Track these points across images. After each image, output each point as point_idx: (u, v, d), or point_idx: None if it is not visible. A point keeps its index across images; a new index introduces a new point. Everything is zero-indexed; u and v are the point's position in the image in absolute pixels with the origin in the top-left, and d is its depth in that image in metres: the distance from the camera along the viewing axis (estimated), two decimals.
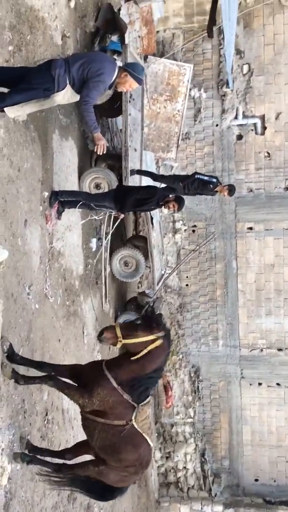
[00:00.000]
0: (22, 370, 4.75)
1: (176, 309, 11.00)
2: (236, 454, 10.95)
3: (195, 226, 10.65)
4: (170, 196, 6.72)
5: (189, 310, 10.94)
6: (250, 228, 10.50)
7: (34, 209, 5.52)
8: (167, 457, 11.12)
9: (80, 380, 4.55)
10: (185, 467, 11.05)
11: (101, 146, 4.92)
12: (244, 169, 10.32)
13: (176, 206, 6.63)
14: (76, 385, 4.57)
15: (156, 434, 11.22)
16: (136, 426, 4.42)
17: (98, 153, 4.99)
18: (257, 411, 10.81)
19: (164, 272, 9.77)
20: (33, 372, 4.79)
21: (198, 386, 11.01)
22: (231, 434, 10.93)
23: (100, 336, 4.41)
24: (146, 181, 8.01)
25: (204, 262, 10.75)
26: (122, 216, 6.98)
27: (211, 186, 7.69)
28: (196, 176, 7.70)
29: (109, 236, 7.92)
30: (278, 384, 10.71)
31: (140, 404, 4.40)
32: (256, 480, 10.93)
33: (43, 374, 4.70)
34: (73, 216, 6.92)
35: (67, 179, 6.81)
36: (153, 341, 4.33)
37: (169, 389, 9.62)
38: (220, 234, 10.54)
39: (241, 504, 10.69)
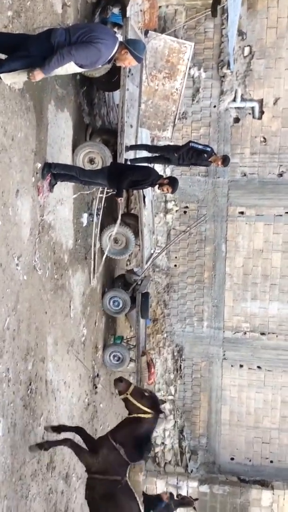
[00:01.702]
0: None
1: (163, 289, 11.08)
2: (214, 432, 11.20)
3: (187, 207, 10.67)
4: (164, 178, 6.70)
5: (176, 290, 11.03)
6: (242, 213, 10.54)
7: (26, 179, 5.49)
8: None
9: (90, 444, 5.75)
10: (163, 443, 11.28)
11: (34, 75, 4.40)
12: (239, 153, 10.30)
13: (170, 189, 6.63)
14: (87, 449, 5.70)
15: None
16: (129, 482, 5.37)
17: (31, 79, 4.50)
18: (237, 392, 11.02)
19: (154, 251, 9.81)
20: None
21: (180, 365, 11.17)
22: (210, 413, 11.16)
23: (117, 381, 5.49)
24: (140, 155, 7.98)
25: (194, 244, 10.80)
26: (120, 200, 6.94)
27: (206, 155, 7.68)
28: (190, 145, 7.68)
29: (100, 213, 7.91)
30: (259, 367, 10.90)
31: (133, 463, 5.40)
32: (232, 459, 11.20)
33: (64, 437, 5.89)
34: (65, 190, 6.89)
35: (61, 151, 6.75)
36: (145, 412, 5.38)
37: (152, 367, 9.73)
38: (211, 217, 10.57)
39: (216, 481, 10.97)
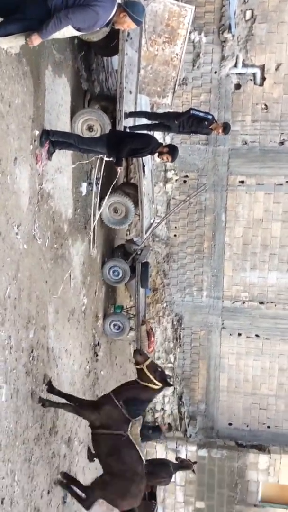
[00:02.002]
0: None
1: (162, 259, 11.11)
2: (212, 399, 11.42)
3: (186, 176, 10.58)
4: (164, 146, 6.62)
5: (176, 260, 11.06)
6: (242, 182, 10.47)
7: (24, 147, 5.42)
8: None
9: (91, 403, 6.36)
10: (162, 409, 11.53)
11: (32, 40, 4.33)
12: (240, 120, 10.15)
13: (170, 158, 6.55)
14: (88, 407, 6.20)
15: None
16: (131, 437, 5.91)
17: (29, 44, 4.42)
18: (235, 359, 11.19)
19: (153, 221, 9.78)
20: None
21: (179, 334, 11.31)
22: (209, 380, 11.35)
23: (137, 353, 6.17)
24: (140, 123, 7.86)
25: (194, 214, 10.76)
26: (120, 169, 6.87)
27: (206, 123, 7.57)
28: (191, 112, 7.56)
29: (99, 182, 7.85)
30: (257, 335, 11.04)
31: (134, 418, 5.93)
32: (230, 424, 11.46)
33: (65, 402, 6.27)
34: (64, 158, 6.81)
35: (59, 118, 6.65)
36: (155, 384, 5.93)
37: (151, 335, 9.85)
38: (211, 186, 10.50)
39: (214, 445, 11.26)
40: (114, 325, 9.26)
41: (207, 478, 11.15)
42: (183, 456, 10.66)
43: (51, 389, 6.23)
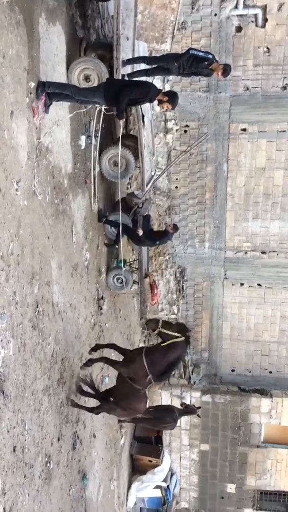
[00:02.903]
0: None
1: (164, 211, 11.05)
2: (215, 347, 11.71)
3: (187, 126, 10.35)
4: (163, 93, 6.42)
5: (178, 212, 11.01)
6: (244, 130, 10.25)
7: (20, 100, 5.28)
8: None
9: (125, 356, 6.97)
10: None
11: None
12: (241, 65, 9.82)
13: (170, 106, 6.37)
14: (123, 359, 6.97)
15: (141, 328, 11.85)
16: (147, 393, 6.81)
17: None
18: (237, 309, 11.37)
19: (154, 173, 9.65)
20: None
21: (182, 286, 11.44)
22: (212, 329, 11.59)
23: (149, 322, 6.76)
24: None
25: (195, 164, 10.61)
26: (122, 121, 6.72)
27: (206, 63, 7.35)
28: (190, 52, 7.32)
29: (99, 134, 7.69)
30: (259, 284, 11.16)
31: (155, 382, 6.65)
32: (233, 370, 11.80)
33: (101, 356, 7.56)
34: (61, 111, 6.64)
35: (55, 69, 6.43)
36: (176, 337, 6.41)
37: (155, 288, 9.97)
38: (213, 136, 10.29)
39: (218, 391, 11.64)
40: (117, 279, 9.35)
41: (211, 422, 11.61)
42: (187, 402, 11.05)
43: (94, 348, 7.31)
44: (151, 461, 11.34)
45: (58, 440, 6.57)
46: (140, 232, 8.83)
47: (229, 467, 11.77)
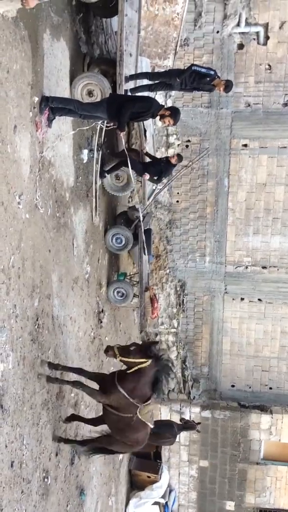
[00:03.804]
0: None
1: (165, 225, 11.09)
2: (215, 362, 11.64)
3: (189, 141, 10.43)
4: (165, 108, 6.49)
5: (178, 226, 11.04)
6: (245, 145, 10.32)
7: (23, 115, 5.33)
8: None
9: (101, 383, 6.18)
10: None
11: (28, 1, 4.00)
12: (243, 82, 9.93)
13: (172, 121, 6.43)
14: (98, 389, 6.18)
15: (141, 342, 11.79)
16: (140, 417, 5.89)
17: None
18: (238, 323, 11.33)
19: (155, 187, 9.71)
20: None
21: (183, 300, 11.42)
22: (212, 344, 11.54)
23: (106, 352, 5.92)
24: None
25: (196, 179, 10.67)
26: (123, 133, 6.76)
27: (208, 79, 7.43)
28: (193, 68, 7.40)
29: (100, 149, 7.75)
30: (259, 299, 11.14)
31: (142, 404, 5.84)
32: (233, 386, 11.72)
33: (74, 380, 6.47)
34: (64, 125, 6.70)
35: (58, 84, 6.50)
36: (142, 362, 5.70)
37: (155, 301, 9.94)
38: (214, 151, 10.36)
39: (217, 406, 11.55)
40: (118, 292, 9.33)
41: (210, 438, 11.49)
42: (187, 417, 10.96)
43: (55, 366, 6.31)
44: (149, 477, 11.21)
45: (56, 455, 6.50)
46: (147, 177, 8.30)
47: (228, 484, 11.62)
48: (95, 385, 6.29)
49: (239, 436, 11.40)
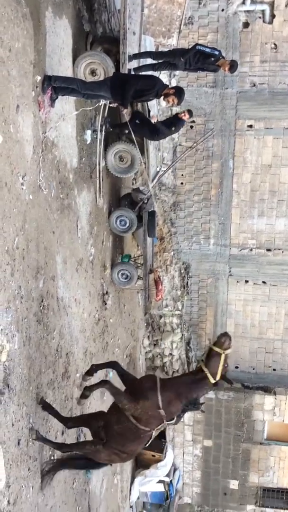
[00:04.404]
0: None
1: (169, 207, 11.04)
2: None
3: (193, 121, 10.31)
4: (170, 87, 6.41)
5: (183, 208, 10.99)
6: (250, 126, 10.20)
7: (26, 94, 5.28)
8: (154, 344, 11.87)
9: (133, 386, 5.49)
10: (171, 354, 11.85)
11: None
12: (248, 61, 9.77)
13: (176, 100, 6.35)
14: (126, 390, 5.51)
15: (145, 324, 11.86)
16: (153, 434, 5.39)
17: None
18: (242, 306, 11.34)
19: (159, 169, 9.64)
20: None
21: (187, 282, 11.42)
22: (216, 326, 11.57)
23: (225, 335, 5.43)
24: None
25: (201, 161, 10.58)
26: (126, 111, 6.66)
27: (213, 59, 7.33)
28: (197, 48, 7.30)
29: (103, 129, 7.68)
30: (264, 282, 11.12)
31: (167, 422, 5.28)
32: (236, 367, 11.78)
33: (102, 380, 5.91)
34: (67, 105, 6.64)
35: (61, 62, 6.42)
36: (215, 376, 5.20)
37: (159, 284, 9.96)
38: (219, 132, 10.25)
39: (221, 387, 11.62)
40: (122, 274, 9.35)
41: (214, 418, 11.60)
42: None
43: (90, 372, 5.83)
44: (154, 456, 11.37)
45: (62, 433, 6.59)
46: (155, 119, 7.71)
47: (232, 464, 11.77)
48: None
49: (242, 417, 11.50)
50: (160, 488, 11.50)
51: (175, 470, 11.94)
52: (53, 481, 6.18)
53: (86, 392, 5.75)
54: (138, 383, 5.60)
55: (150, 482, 11.25)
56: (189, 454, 11.95)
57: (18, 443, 5.14)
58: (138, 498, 11.47)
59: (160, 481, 11.42)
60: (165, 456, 11.41)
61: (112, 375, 9.22)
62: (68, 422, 6.04)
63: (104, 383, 5.72)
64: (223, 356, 5.21)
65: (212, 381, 5.21)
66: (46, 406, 5.77)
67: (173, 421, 5.38)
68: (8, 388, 4.86)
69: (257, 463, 11.67)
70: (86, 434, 7.57)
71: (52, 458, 6.14)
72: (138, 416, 5.26)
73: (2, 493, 4.75)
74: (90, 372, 5.84)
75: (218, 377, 5.23)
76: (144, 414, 5.24)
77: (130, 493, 11.01)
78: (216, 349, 5.26)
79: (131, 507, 11.20)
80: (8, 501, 4.92)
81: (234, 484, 11.87)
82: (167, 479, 11.48)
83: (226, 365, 5.31)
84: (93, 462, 5.91)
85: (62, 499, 6.59)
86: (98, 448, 5.56)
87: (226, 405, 11.54)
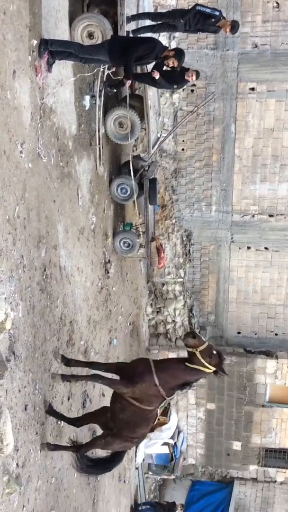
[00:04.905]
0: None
1: (170, 174, 10.93)
2: (222, 310, 11.79)
3: (194, 85, 10.09)
4: (170, 49, 6.25)
5: (184, 175, 10.88)
6: (252, 89, 10.00)
7: (22, 59, 5.15)
8: (157, 312, 11.98)
9: (126, 372, 5.67)
10: (174, 321, 11.97)
11: None
12: (249, 21, 9.49)
13: (176, 62, 6.20)
14: (120, 378, 5.71)
15: (148, 292, 11.93)
16: (158, 412, 5.68)
17: None
18: (244, 272, 11.38)
19: (160, 135, 9.49)
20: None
21: (189, 249, 11.43)
22: (218, 293, 11.65)
23: (188, 335, 5.47)
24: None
25: (202, 126, 10.41)
26: (128, 82, 6.52)
27: (213, 20, 7.12)
28: (197, 9, 7.09)
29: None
30: (266, 248, 11.12)
31: (169, 398, 5.57)
32: (239, 332, 11.92)
33: (92, 373, 6.10)
34: (64, 70, 6.49)
35: (57, 25, 6.24)
36: (207, 368, 5.35)
37: (161, 251, 9.96)
38: (220, 95, 10.05)
39: (224, 352, 11.68)
40: (124, 242, 9.34)
41: (217, 382, 11.79)
42: None
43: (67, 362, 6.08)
44: (158, 419, 11.62)
45: (68, 399, 6.74)
46: (157, 75, 6.98)
47: (235, 426, 12.05)
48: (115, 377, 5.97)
49: (245, 380, 11.70)
50: (165, 450, 11.83)
51: (179, 432, 12.25)
52: (61, 443, 6.35)
53: (71, 379, 6.08)
54: (130, 367, 5.81)
55: (155, 445, 11.56)
56: (192, 417, 12.23)
57: (25, 408, 5.26)
58: (143, 460, 11.82)
59: (164, 443, 11.73)
60: (169, 420, 11.67)
61: (116, 343, 9.37)
62: (76, 422, 6.31)
63: (94, 377, 5.98)
64: (198, 354, 5.31)
65: (208, 371, 5.40)
66: (53, 412, 5.97)
67: (173, 397, 5.74)
68: (14, 355, 4.93)
69: (259, 425, 11.95)
70: (92, 399, 7.74)
71: (58, 423, 6.29)
72: (139, 397, 5.48)
73: (11, 457, 4.88)
74: (68, 363, 6.14)
75: (212, 368, 5.37)
76: (144, 394, 5.47)
77: (135, 455, 11.33)
78: (189, 350, 5.43)
79: (136, 468, 11.54)
80: (17, 464, 5.07)
81: (237, 445, 12.19)
82: (171, 441, 11.79)
83: (212, 354, 5.35)
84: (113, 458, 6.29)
85: (69, 461, 6.78)
86: (108, 440, 5.84)
87: (229, 369, 11.68)
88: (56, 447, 5.91)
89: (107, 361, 7.88)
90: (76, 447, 6.11)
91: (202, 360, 5.29)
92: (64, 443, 6.28)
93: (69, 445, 6.14)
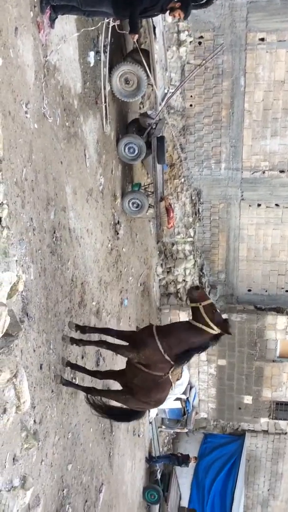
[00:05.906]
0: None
1: (179, 132, 10.71)
2: (232, 268, 11.81)
3: (201, 37, 9.73)
4: (175, 0, 5.97)
5: (193, 132, 10.66)
6: (262, 40, 9.62)
7: (24, 15, 4.97)
8: (167, 272, 12.04)
9: (133, 339, 5.81)
10: (184, 280, 12.03)
11: None
12: None
13: (182, 14, 5.95)
14: (127, 343, 5.85)
15: (158, 252, 11.95)
16: (170, 377, 5.65)
17: None
18: (254, 230, 11.31)
19: (167, 90, 9.24)
20: None
21: (198, 208, 11.34)
22: (228, 251, 11.63)
23: (193, 289, 5.56)
24: None
25: (210, 79, 10.10)
26: (135, 37, 6.30)
27: None
28: None
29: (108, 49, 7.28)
30: (277, 205, 11.00)
31: (178, 365, 5.59)
32: (249, 290, 11.98)
33: (98, 340, 6.38)
34: (67, 25, 6.26)
35: None
36: (211, 327, 5.35)
37: (171, 211, 9.91)
38: (229, 47, 9.69)
39: (234, 310, 11.90)
40: (133, 203, 9.28)
41: (228, 339, 11.98)
42: None
43: (82, 329, 6.17)
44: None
45: (82, 357, 6.89)
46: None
47: (245, 380, 12.31)
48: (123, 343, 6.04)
49: (255, 337, 11.86)
50: (178, 405, 12.16)
51: (191, 388, 12.55)
52: (76, 400, 6.54)
53: (79, 343, 6.17)
54: (136, 334, 6.05)
55: (167, 400, 11.82)
56: (204, 373, 12.49)
57: (41, 367, 5.39)
58: (157, 415, 12.19)
59: (177, 399, 12.05)
60: (181, 376, 11.87)
61: (128, 303, 9.47)
62: (98, 374, 6.52)
63: (101, 343, 6.22)
64: (201, 308, 5.36)
65: (212, 332, 5.38)
66: (74, 366, 6.19)
67: (182, 364, 5.76)
68: (27, 316, 5.02)
69: (270, 379, 12.18)
70: (105, 358, 7.91)
71: (74, 380, 6.46)
72: (145, 363, 5.58)
73: (28, 414, 5.05)
74: (83, 330, 6.22)
75: (215, 328, 5.37)
76: (150, 360, 5.55)
77: (149, 410, 11.67)
78: (192, 305, 5.51)
79: (150, 423, 11.92)
80: (34, 421, 5.25)
81: (248, 399, 12.48)
82: (183, 397, 12.11)
83: (215, 311, 5.41)
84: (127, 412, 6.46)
85: (85, 417, 7.01)
86: (128, 397, 5.99)
87: (239, 326, 11.86)
88: (68, 383, 6.02)
89: (119, 323, 8.03)
90: (87, 388, 6.30)
91: (205, 316, 5.33)
92: (80, 393, 6.50)
93: (81, 385, 6.37)
